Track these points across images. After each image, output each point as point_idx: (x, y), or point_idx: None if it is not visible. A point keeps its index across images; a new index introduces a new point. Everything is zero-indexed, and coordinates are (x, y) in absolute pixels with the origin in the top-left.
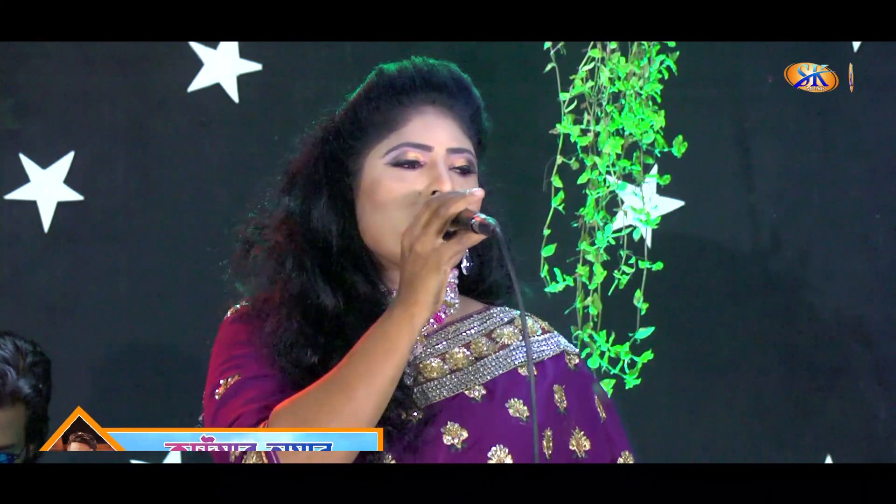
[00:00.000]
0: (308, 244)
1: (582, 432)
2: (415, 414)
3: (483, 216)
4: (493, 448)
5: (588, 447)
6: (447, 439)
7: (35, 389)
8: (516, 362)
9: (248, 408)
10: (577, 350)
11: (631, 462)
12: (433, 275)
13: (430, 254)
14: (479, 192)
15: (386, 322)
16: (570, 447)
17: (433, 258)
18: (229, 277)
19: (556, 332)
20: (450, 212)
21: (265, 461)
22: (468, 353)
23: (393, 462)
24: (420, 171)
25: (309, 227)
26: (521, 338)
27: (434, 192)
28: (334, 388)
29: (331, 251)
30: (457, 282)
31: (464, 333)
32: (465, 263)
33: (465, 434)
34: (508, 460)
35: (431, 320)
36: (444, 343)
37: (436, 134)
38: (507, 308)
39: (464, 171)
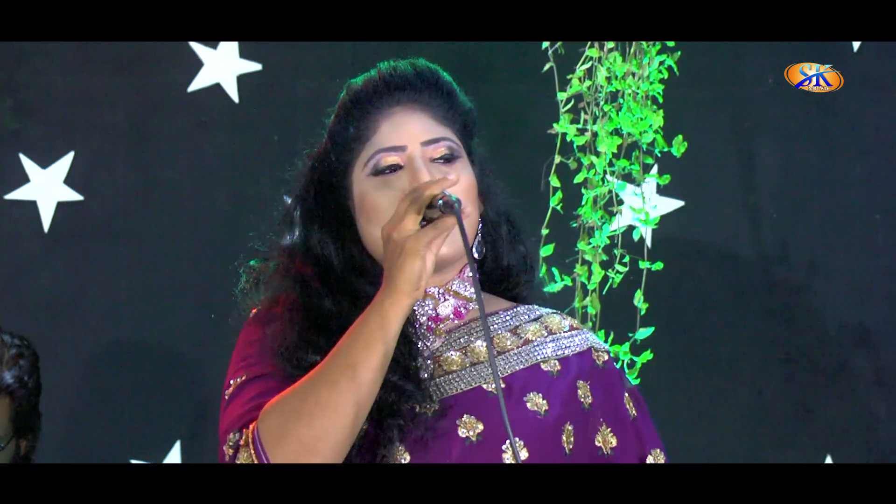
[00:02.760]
0: (310, 264)
1: (609, 429)
2: (428, 407)
3: (447, 195)
4: (508, 441)
5: (614, 444)
6: (462, 432)
7: (19, 381)
8: (539, 357)
9: (248, 405)
10: (607, 347)
11: (662, 459)
12: (410, 261)
13: (405, 240)
14: (452, 176)
15: (368, 312)
16: (596, 443)
17: (409, 244)
18: (240, 299)
19: (585, 330)
20: (423, 196)
21: (254, 458)
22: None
23: (406, 454)
24: (400, 173)
25: (310, 252)
26: (545, 334)
27: None
28: (319, 380)
29: (332, 267)
30: (478, 277)
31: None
32: (476, 248)
33: (480, 427)
34: (524, 453)
35: (452, 316)
36: (466, 337)
37: (406, 132)
38: (534, 307)
39: (447, 160)
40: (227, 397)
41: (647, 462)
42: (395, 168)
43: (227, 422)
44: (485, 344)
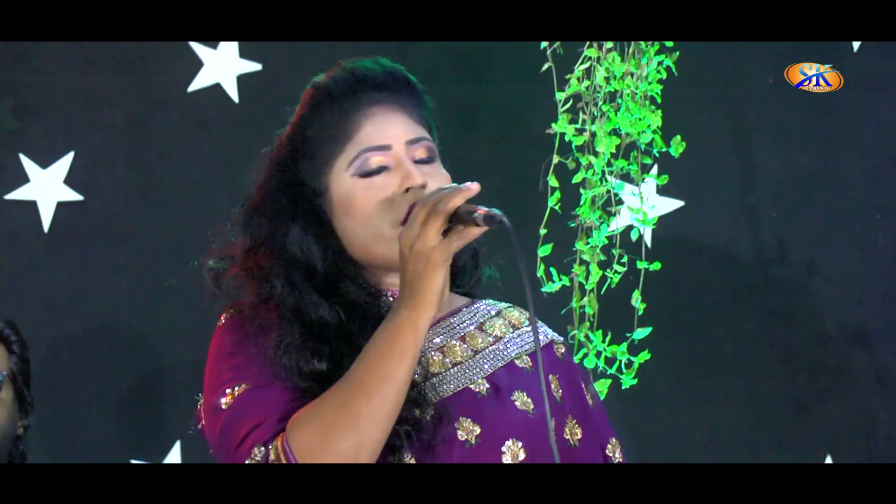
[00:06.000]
0: (291, 266)
1: (574, 420)
2: (427, 411)
3: (486, 208)
4: (507, 442)
5: (580, 435)
6: (461, 435)
7: (11, 328)
8: (512, 354)
9: (262, 419)
10: (563, 339)
11: (618, 447)
12: (436, 272)
13: (431, 251)
14: (475, 186)
15: (394, 324)
16: (565, 435)
17: (435, 255)
18: (208, 301)
19: (540, 322)
20: (448, 207)
21: (283, 460)
22: (465, 346)
23: (412, 460)
24: (387, 174)
25: (287, 252)
26: (511, 330)
27: (407, 190)
28: (353, 393)
29: (315, 270)
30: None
31: (457, 327)
32: None
33: (477, 429)
34: (521, 454)
35: None
36: (441, 337)
37: (390, 132)
38: (491, 301)
39: (428, 160)
40: (225, 407)
41: (607, 451)
42: (381, 169)
43: (236, 435)
44: (459, 344)
